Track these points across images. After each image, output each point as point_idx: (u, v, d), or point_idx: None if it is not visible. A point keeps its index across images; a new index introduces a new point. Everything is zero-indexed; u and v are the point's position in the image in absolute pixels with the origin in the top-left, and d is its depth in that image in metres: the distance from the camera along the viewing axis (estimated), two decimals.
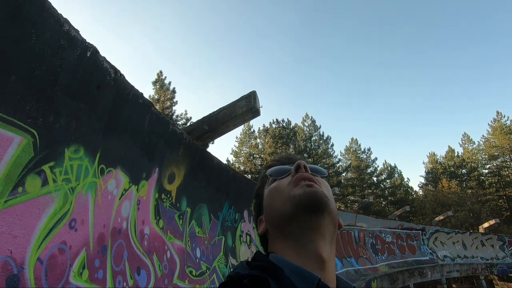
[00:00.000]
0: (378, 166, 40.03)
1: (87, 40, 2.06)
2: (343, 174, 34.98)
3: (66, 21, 1.88)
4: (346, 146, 40.38)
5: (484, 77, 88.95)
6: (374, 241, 17.28)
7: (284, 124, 30.29)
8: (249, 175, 28.50)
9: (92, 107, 2.27)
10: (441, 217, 21.63)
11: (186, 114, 22.49)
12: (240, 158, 29.95)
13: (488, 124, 41.89)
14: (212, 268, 5.10)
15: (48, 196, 1.93)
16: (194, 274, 4.26)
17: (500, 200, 38.82)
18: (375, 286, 11.38)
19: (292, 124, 31.68)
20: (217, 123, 4.79)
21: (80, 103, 2.18)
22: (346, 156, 39.41)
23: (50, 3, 1.83)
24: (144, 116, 2.90)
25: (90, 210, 2.30)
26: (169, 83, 22.96)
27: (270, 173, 0.69)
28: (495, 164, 40.89)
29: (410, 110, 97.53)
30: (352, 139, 40.01)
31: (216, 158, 5.79)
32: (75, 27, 1.96)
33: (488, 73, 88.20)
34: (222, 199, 6.22)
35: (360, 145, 39.18)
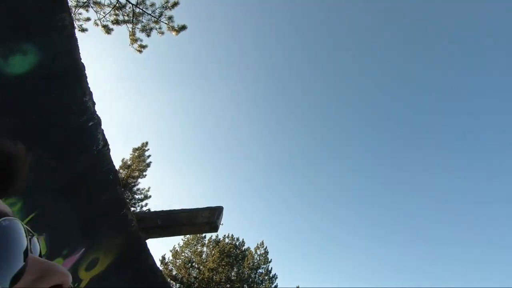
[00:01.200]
0: None
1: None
2: None
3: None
4: None
5: None
6: None
7: (237, 243, 28.61)
8: (178, 284, 24.74)
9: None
10: None
11: (147, 190, 21.50)
12: (178, 261, 26.66)
13: None
14: None
15: None
16: None
17: None
18: None
19: (245, 247, 29.97)
20: (172, 223, 4.56)
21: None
22: None
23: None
24: (103, 191, 2.80)
25: None
26: (149, 156, 22.96)
27: None
28: None
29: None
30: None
31: (152, 257, 5.22)
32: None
33: None
34: None
35: None
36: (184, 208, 4.79)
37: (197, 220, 4.63)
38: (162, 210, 4.77)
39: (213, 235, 29.92)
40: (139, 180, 21.73)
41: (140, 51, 10.93)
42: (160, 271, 5.74)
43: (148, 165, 22.54)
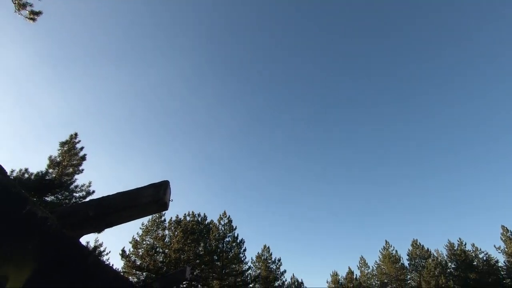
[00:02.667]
0: (286, 280, 38.76)
1: None
2: (251, 285, 32.35)
3: None
4: (258, 253, 39.05)
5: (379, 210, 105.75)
6: None
7: (199, 219, 28.29)
8: (145, 273, 23.87)
9: None
10: None
11: (89, 186, 19.21)
12: (140, 250, 25.47)
13: (379, 251, 46.95)
14: None
15: None
16: None
17: None
18: None
19: (208, 220, 29.88)
20: (108, 209, 3.77)
21: None
22: (257, 264, 37.58)
23: None
24: None
25: None
26: (81, 148, 20.25)
27: None
28: None
29: (325, 223, 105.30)
30: (265, 246, 39.31)
31: (94, 254, 4.42)
32: None
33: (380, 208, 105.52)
34: None
35: (271, 254, 38.38)
36: (120, 191, 4.01)
37: (139, 201, 3.92)
38: (93, 199, 3.93)
39: (173, 216, 29.04)
40: (76, 176, 19.28)
41: (32, 19, 8.79)
42: (109, 265, 5.00)
43: (83, 158, 20.02)
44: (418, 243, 46.26)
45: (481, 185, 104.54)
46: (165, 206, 4.09)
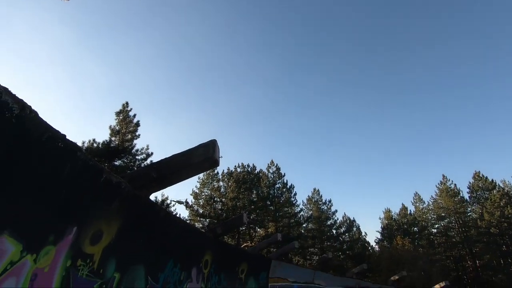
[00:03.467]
0: (337, 219, 40.39)
1: None
2: (304, 225, 34.57)
3: None
4: (308, 196, 40.67)
5: (435, 142, 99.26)
6: None
7: (248, 169, 29.94)
8: (208, 219, 26.87)
9: None
10: (396, 277, 21.56)
11: (147, 149, 21.24)
12: (200, 201, 28.44)
13: (436, 186, 45.38)
14: None
15: None
16: None
17: (448, 261, 40.46)
18: None
19: (257, 170, 31.47)
20: (169, 170, 4.21)
21: None
22: (308, 206, 39.45)
23: None
24: (64, 163, 2.31)
25: None
26: (134, 115, 21.98)
27: None
28: (442, 224, 43.42)
29: (373, 164, 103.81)
30: (315, 189, 40.58)
31: (164, 209, 5.10)
32: None
33: (437, 138, 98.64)
34: (165, 257, 5.36)
35: (321, 196, 39.72)
36: (175, 153, 4.40)
37: (193, 160, 4.28)
38: (153, 162, 4.40)
39: (225, 169, 31.17)
40: (135, 141, 21.28)
41: None
42: (179, 218, 5.74)
43: (137, 124, 21.77)
44: (481, 175, 43.38)
45: None
46: (216, 163, 4.42)
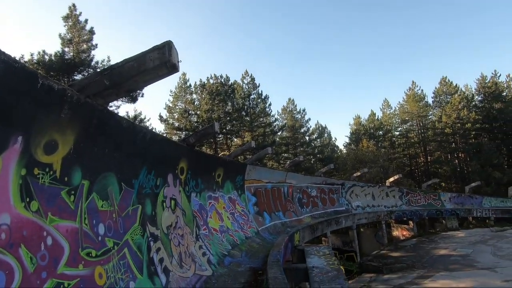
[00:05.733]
0: (310, 126, 42.62)
1: None
2: (279, 133, 36.31)
3: None
4: (283, 106, 41.43)
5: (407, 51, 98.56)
6: (301, 196, 18.76)
7: (222, 80, 28.97)
8: (184, 132, 27.27)
9: None
10: (358, 173, 24.51)
11: (109, 60, 19.27)
12: (175, 114, 28.18)
13: (404, 92, 47.31)
14: (122, 242, 4.58)
15: None
16: (93, 255, 3.69)
17: (404, 158, 45.88)
18: (298, 237, 12.50)
19: (231, 81, 30.58)
20: (121, 77, 3.88)
21: None
22: (283, 115, 40.63)
23: None
24: None
25: None
26: (86, 20, 19.07)
27: None
28: (405, 127, 47.32)
29: (346, 74, 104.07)
30: (289, 99, 41.10)
31: (126, 119, 4.94)
32: None
33: (408, 49, 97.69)
34: (137, 165, 5.51)
35: (296, 106, 40.62)
36: (127, 57, 3.97)
37: (148, 65, 3.92)
38: (104, 69, 3.99)
39: (197, 81, 29.95)
40: (92, 52, 19.12)
41: None
42: (146, 127, 5.66)
43: (92, 32, 19.16)
44: (447, 80, 45.22)
45: None
46: (175, 68, 4.08)
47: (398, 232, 24.33)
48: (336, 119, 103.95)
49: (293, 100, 40.68)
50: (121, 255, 4.42)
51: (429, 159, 43.79)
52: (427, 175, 40.67)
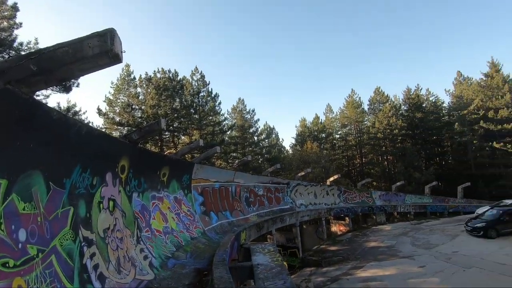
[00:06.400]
0: (259, 127, 43.49)
1: None
2: (228, 133, 36.24)
3: None
4: (233, 105, 41.50)
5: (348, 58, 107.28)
6: (248, 195, 19.00)
7: (170, 75, 27.72)
8: (126, 128, 25.42)
9: None
10: (302, 173, 25.83)
11: (36, 43, 16.85)
12: (116, 108, 26.03)
13: (345, 98, 51.41)
14: (49, 249, 4.07)
15: None
16: (11, 265, 3.21)
17: (343, 159, 49.85)
18: (244, 236, 12.64)
19: (180, 77, 29.47)
20: (53, 64, 3.44)
21: None
22: (233, 115, 40.70)
23: None
24: None
25: None
26: None
27: None
28: (344, 131, 51.44)
29: (296, 76, 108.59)
30: (239, 99, 41.40)
31: (57, 111, 4.41)
32: None
33: (348, 57, 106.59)
34: (70, 162, 4.96)
35: (246, 106, 41.07)
36: (61, 41, 3.54)
37: (86, 52, 3.55)
38: (31, 52, 3.50)
39: (142, 74, 28.17)
40: (15, 32, 16.57)
41: None
42: (81, 121, 5.13)
43: (15, 8, 16.60)
44: (380, 90, 50.45)
45: (441, 38, 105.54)
46: (117, 58, 3.78)
47: (336, 228, 26.30)
48: (283, 121, 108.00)
49: (243, 100, 41.06)
50: (46, 264, 3.93)
51: (364, 161, 48.31)
52: (362, 175, 44.79)
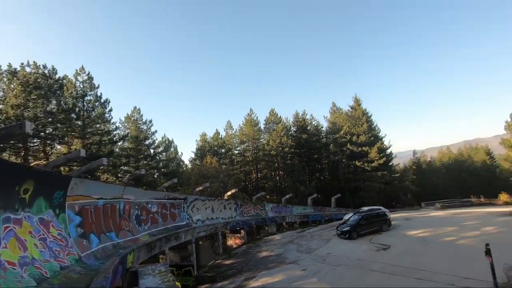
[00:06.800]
0: (156, 139, 40.87)
1: None
2: (119, 143, 32.52)
3: None
4: (127, 114, 37.79)
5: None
6: (139, 212, 17.29)
7: (46, 72, 23.02)
8: None
9: None
10: (201, 188, 25.48)
11: None
12: None
13: (244, 117, 54.55)
14: None
15: None
16: None
17: (241, 174, 52.09)
18: (131, 259, 11.30)
19: (60, 75, 24.86)
20: None
21: None
22: (126, 124, 36.94)
23: None
24: None
25: None
26: None
27: None
28: (242, 147, 54.16)
29: (198, 91, 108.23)
30: (135, 108, 38.13)
31: None
32: None
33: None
34: None
35: (142, 116, 38.08)
36: None
37: None
38: None
39: (3, 65, 22.34)
40: None
41: None
42: None
43: None
44: (274, 112, 55.97)
45: (319, 71, 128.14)
46: None
47: (232, 241, 26.78)
48: (183, 134, 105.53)
49: (139, 109, 37.97)
50: None
51: (259, 175, 51.74)
52: (257, 189, 47.69)
